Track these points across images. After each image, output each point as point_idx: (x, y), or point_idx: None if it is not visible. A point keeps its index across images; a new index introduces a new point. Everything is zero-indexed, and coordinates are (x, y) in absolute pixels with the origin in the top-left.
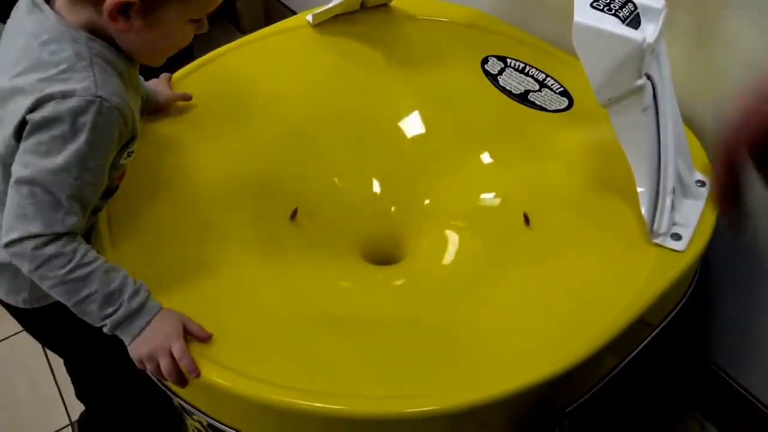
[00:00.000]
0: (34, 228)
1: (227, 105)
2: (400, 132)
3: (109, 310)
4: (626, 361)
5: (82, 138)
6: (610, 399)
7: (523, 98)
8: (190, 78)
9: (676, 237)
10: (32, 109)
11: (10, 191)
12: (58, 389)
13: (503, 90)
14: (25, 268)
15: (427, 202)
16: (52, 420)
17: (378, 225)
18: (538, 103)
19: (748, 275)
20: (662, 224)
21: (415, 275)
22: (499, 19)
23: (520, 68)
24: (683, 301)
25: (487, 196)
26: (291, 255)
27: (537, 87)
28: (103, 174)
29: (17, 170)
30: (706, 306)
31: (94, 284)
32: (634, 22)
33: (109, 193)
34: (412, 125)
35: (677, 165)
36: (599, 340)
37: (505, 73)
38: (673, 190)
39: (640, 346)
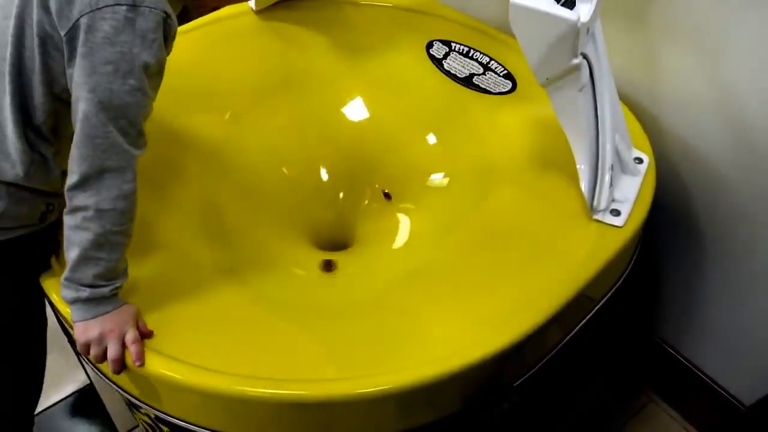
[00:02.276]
0: (114, 162)
1: (171, 92)
2: (345, 118)
3: (102, 282)
4: (571, 335)
5: (150, 53)
6: (559, 374)
7: (467, 81)
8: None
9: (616, 213)
10: (93, 7)
11: (81, 123)
12: None
13: (448, 74)
14: (90, 200)
15: (375, 186)
16: None
17: (327, 212)
18: (482, 86)
19: (690, 251)
20: (602, 201)
21: (365, 259)
22: (442, 4)
23: (464, 52)
24: (625, 275)
25: (435, 178)
26: (241, 243)
27: (481, 70)
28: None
29: (84, 96)
30: (651, 282)
31: (116, 254)
32: (569, 2)
33: None
34: (358, 111)
35: (615, 143)
36: (543, 314)
37: (449, 57)
38: (612, 167)
39: (584, 320)
